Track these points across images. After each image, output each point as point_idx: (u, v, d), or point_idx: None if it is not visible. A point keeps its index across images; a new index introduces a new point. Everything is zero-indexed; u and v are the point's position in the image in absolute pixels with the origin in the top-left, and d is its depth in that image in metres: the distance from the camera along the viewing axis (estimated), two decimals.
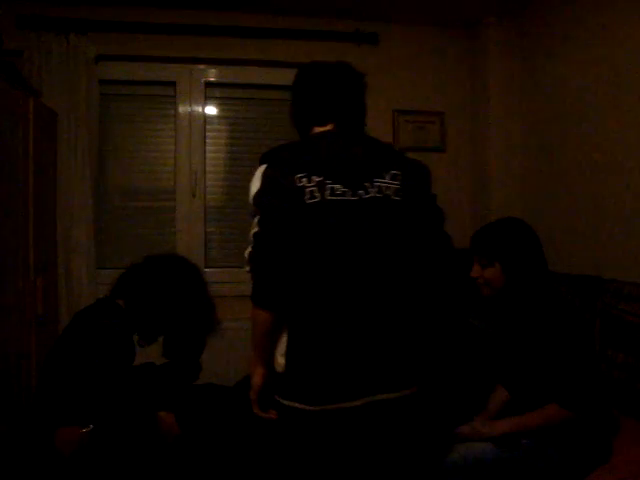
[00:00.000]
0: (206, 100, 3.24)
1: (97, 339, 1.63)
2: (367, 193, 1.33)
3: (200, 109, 3.22)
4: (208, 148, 3.24)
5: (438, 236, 1.45)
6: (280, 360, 1.36)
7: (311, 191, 1.30)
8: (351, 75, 1.48)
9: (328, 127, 1.43)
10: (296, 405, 1.29)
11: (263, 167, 1.37)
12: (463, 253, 1.95)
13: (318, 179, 1.30)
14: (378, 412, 1.29)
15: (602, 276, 2.30)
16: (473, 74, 3.35)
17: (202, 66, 3.21)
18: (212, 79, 3.25)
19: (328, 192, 1.30)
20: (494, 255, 1.72)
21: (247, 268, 1.37)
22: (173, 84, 3.20)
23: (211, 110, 3.29)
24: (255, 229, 1.34)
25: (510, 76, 3.17)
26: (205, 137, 3.23)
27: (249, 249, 1.35)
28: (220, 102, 3.33)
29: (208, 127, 3.25)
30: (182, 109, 3.20)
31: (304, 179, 1.30)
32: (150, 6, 2.99)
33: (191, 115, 3.20)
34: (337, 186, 1.31)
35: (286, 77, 3.27)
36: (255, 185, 1.35)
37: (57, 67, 2.82)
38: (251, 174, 1.41)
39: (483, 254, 1.74)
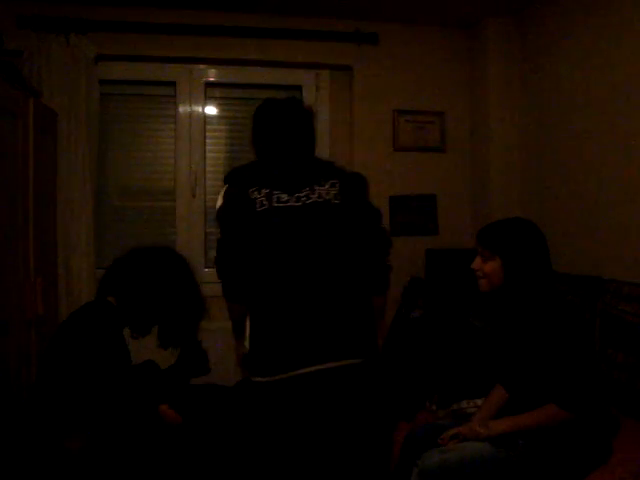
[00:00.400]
0: (206, 100, 3.24)
1: (90, 339, 1.63)
2: (309, 199, 1.60)
3: (200, 109, 3.22)
4: (208, 148, 3.24)
5: (375, 230, 1.71)
6: (246, 344, 1.62)
7: (261, 201, 1.58)
8: (298, 110, 1.76)
9: (279, 151, 1.71)
10: (258, 379, 1.55)
11: (225, 187, 1.67)
12: (463, 253, 1.95)
13: (266, 191, 1.59)
14: (326, 378, 1.53)
15: (602, 276, 2.30)
16: (473, 74, 3.35)
17: (202, 66, 3.22)
18: (212, 79, 3.25)
19: (275, 200, 1.58)
20: (496, 248, 1.72)
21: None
22: (173, 84, 3.20)
23: (211, 110, 3.29)
24: (218, 237, 1.64)
25: (510, 76, 3.17)
26: (205, 137, 3.23)
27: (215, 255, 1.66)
28: (220, 102, 3.33)
29: (208, 127, 3.25)
30: (182, 109, 3.20)
31: (255, 192, 1.59)
32: (150, 6, 2.99)
33: (191, 115, 3.20)
34: (283, 195, 1.59)
35: (286, 77, 3.34)
36: (219, 202, 1.65)
37: (57, 67, 2.82)
38: None
39: (486, 246, 1.75)
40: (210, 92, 3.27)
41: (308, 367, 1.51)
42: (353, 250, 1.64)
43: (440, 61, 3.36)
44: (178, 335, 1.87)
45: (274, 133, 1.71)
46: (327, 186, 1.62)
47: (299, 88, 3.34)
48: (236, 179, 1.67)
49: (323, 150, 3.31)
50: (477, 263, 1.77)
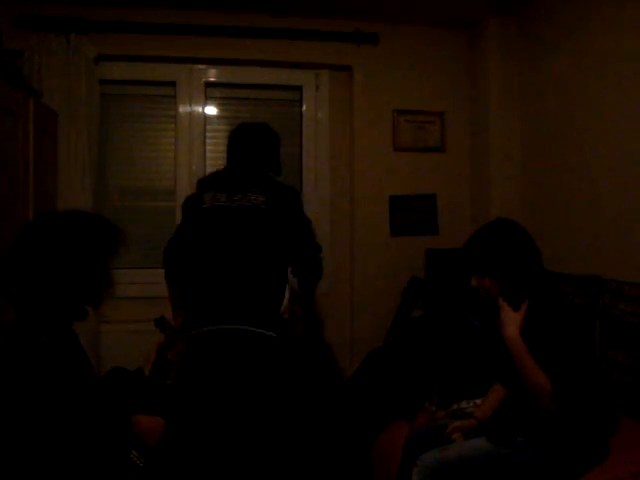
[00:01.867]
0: (206, 100, 3.24)
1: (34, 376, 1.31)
2: (240, 201, 2.08)
3: (200, 109, 3.22)
4: (208, 148, 3.24)
5: (302, 233, 2.15)
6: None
7: (208, 199, 2.11)
8: (255, 133, 2.25)
9: (231, 164, 2.23)
10: (186, 335, 2.09)
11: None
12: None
13: (212, 193, 2.12)
14: (222, 336, 2.02)
15: (602, 276, 2.29)
16: (473, 74, 3.35)
17: (202, 66, 3.22)
18: (212, 79, 3.25)
19: (215, 200, 2.10)
20: (482, 270, 1.75)
21: None
22: (173, 84, 3.20)
23: (211, 110, 3.29)
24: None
25: (510, 76, 3.17)
26: (205, 137, 3.23)
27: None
28: (220, 102, 3.33)
29: (208, 127, 3.25)
30: (182, 109, 3.20)
31: (205, 194, 2.14)
32: (150, 6, 2.99)
33: (191, 115, 3.20)
34: (222, 197, 2.10)
35: (286, 77, 3.34)
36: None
37: (57, 67, 2.83)
38: None
39: (473, 269, 1.77)
40: (210, 92, 3.27)
41: (208, 327, 2.02)
42: (273, 246, 2.07)
43: (440, 61, 3.36)
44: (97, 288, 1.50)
45: (231, 150, 2.23)
46: (258, 194, 2.07)
47: (299, 88, 3.33)
48: (200, 183, 2.24)
49: (323, 150, 3.32)
50: (474, 281, 1.79)
